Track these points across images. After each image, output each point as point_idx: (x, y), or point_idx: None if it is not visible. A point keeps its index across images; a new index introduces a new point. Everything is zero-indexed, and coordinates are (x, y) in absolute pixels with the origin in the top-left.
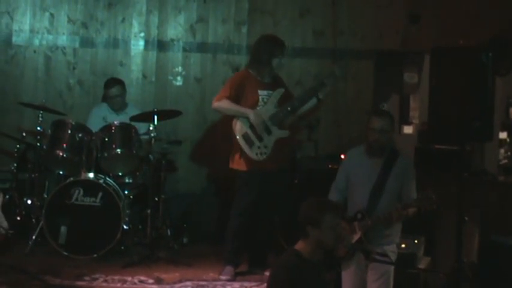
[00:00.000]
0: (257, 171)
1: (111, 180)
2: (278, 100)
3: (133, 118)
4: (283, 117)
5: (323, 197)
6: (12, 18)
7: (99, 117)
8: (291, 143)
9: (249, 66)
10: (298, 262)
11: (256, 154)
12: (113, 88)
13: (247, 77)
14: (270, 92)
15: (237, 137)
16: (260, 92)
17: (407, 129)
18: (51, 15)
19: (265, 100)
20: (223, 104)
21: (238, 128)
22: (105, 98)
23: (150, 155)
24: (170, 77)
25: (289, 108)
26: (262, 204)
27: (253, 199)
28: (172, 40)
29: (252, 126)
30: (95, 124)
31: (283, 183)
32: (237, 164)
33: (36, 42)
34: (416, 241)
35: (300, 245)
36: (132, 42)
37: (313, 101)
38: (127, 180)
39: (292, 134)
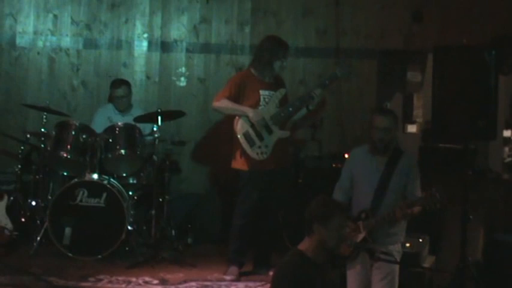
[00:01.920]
0: (258, 170)
1: (115, 181)
2: (280, 100)
3: (137, 119)
4: (285, 118)
5: (329, 196)
6: (16, 20)
7: (104, 118)
8: (293, 143)
9: (251, 66)
10: (301, 262)
11: (257, 154)
12: (119, 88)
13: (248, 76)
14: (272, 92)
15: (238, 136)
16: (262, 91)
17: (411, 128)
18: (55, 16)
19: (266, 100)
20: (222, 104)
21: (239, 127)
22: (111, 98)
23: (154, 156)
24: (174, 78)
25: (290, 109)
26: (265, 204)
27: (256, 199)
28: (175, 41)
29: (253, 126)
30: (99, 124)
31: (285, 183)
32: (239, 163)
33: (40, 43)
34: (421, 240)
35: (304, 245)
36: (136, 43)
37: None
38: (131, 181)
39: (291, 133)
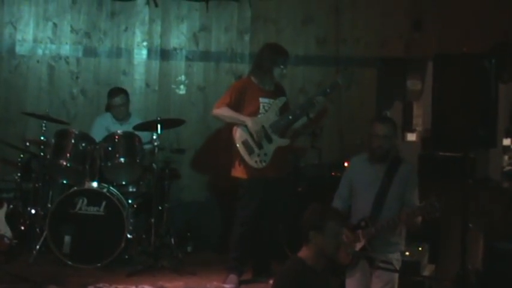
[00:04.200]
0: (258, 179)
1: (114, 189)
2: (280, 108)
3: (137, 127)
4: (285, 126)
5: (327, 204)
6: (15, 28)
7: (103, 127)
8: (292, 151)
9: (251, 74)
10: (301, 270)
11: (256, 162)
12: (117, 97)
13: (248, 84)
14: (272, 100)
15: (237, 144)
16: (261, 99)
17: (411, 137)
18: (54, 25)
19: (266, 108)
20: (222, 111)
21: (238, 135)
22: (109, 107)
23: (153, 164)
24: (173, 86)
25: (290, 117)
26: (265, 212)
27: (256, 207)
28: (175, 49)
29: (252, 134)
30: (98, 134)
31: (285, 191)
32: (238, 171)
33: (40, 52)
34: (420, 249)
35: (303, 253)
36: (135, 51)
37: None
38: (131, 189)
39: (292, 141)
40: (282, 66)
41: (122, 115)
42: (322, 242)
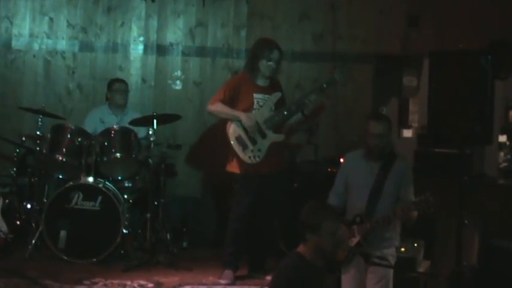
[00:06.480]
0: (252, 174)
1: (110, 185)
2: (275, 104)
3: (133, 122)
4: (279, 121)
5: (323, 201)
6: (11, 23)
7: (96, 118)
8: (288, 147)
9: (245, 70)
10: (300, 265)
11: (250, 157)
12: (119, 83)
13: (243, 79)
14: (266, 95)
15: (231, 141)
16: (255, 95)
17: (407, 133)
18: (51, 19)
19: (260, 103)
20: (217, 108)
21: (232, 131)
22: (110, 95)
23: (149, 159)
24: (169, 81)
25: (285, 113)
26: (261, 207)
27: (251, 202)
28: (171, 44)
29: (245, 129)
30: (91, 124)
31: (280, 187)
32: (233, 167)
33: (36, 46)
34: (416, 245)
35: (301, 248)
36: (132, 46)
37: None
38: (126, 184)
39: (287, 137)
40: (268, 60)
41: (123, 101)
42: (320, 242)
